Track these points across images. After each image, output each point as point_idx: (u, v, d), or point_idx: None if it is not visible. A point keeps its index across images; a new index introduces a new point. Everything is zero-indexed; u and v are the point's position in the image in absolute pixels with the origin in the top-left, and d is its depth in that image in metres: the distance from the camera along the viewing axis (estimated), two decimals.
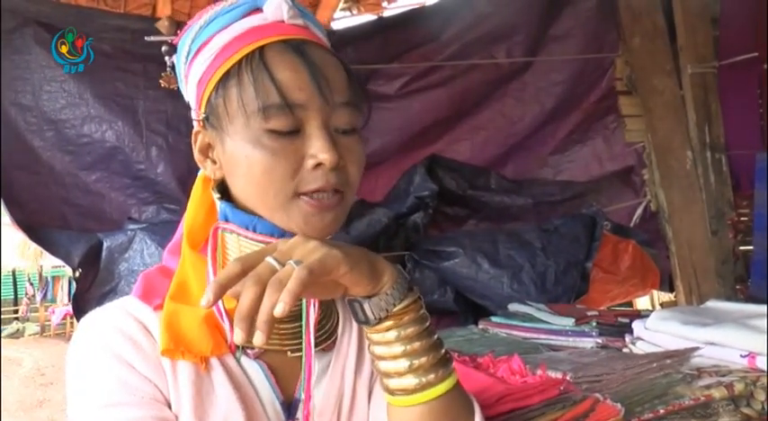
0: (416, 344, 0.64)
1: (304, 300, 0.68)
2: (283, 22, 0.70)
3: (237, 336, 0.54)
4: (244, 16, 0.70)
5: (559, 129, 2.64)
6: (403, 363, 0.64)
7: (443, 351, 0.67)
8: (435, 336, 0.66)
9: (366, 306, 0.63)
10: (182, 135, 2.23)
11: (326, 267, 0.58)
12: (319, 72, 0.66)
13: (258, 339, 0.54)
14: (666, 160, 2.51)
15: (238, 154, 0.67)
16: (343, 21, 2.72)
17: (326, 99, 0.66)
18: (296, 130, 0.66)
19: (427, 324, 0.66)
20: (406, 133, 2.50)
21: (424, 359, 0.64)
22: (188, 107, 0.77)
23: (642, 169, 2.62)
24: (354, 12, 2.70)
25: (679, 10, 2.47)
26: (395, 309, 0.63)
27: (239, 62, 0.67)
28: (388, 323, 0.63)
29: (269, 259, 0.58)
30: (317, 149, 0.65)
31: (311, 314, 0.68)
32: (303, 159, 0.66)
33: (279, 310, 0.53)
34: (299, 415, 0.71)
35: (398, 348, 0.64)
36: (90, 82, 2.14)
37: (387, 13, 2.70)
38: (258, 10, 0.71)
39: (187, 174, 2.21)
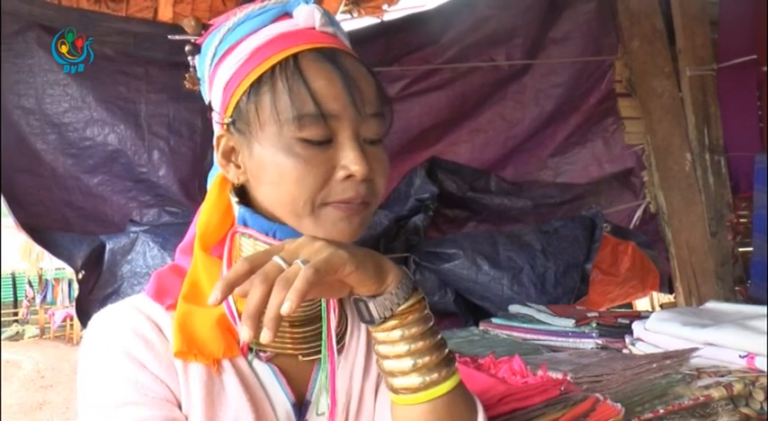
0: (420, 344, 0.65)
1: (323, 302, 0.69)
2: (314, 29, 0.70)
3: (245, 334, 0.55)
4: (273, 21, 0.70)
5: (559, 131, 2.64)
6: (407, 362, 0.64)
7: (447, 350, 0.67)
8: (439, 336, 0.67)
9: (371, 305, 0.64)
10: (183, 138, 2.23)
11: (332, 266, 0.59)
12: (353, 83, 0.67)
13: (265, 337, 0.54)
14: (666, 162, 2.52)
15: (268, 161, 0.67)
16: (344, 24, 2.72)
17: (359, 110, 0.66)
18: (328, 140, 0.66)
19: (431, 323, 0.67)
20: (407, 135, 2.50)
21: (427, 358, 0.65)
22: (190, 110, 0.77)
23: (641, 171, 2.63)
24: (355, 15, 2.71)
25: (678, 13, 2.48)
26: (399, 309, 0.64)
27: (273, 68, 0.67)
28: (393, 322, 0.64)
29: (276, 258, 0.59)
30: (350, 161, 0.65)
31: (331, 310, 0.70)
32: (333, 169, 0.66)
33: (285, 309, 0.54)
34: (309, 416, 0.72)
35: (403, 347, 0.64)
36: (92, 85, 2.14)
37: (387, 17, 2.70)
38: (287, 15, 0.71)
39: (189, 178, 2.21)
